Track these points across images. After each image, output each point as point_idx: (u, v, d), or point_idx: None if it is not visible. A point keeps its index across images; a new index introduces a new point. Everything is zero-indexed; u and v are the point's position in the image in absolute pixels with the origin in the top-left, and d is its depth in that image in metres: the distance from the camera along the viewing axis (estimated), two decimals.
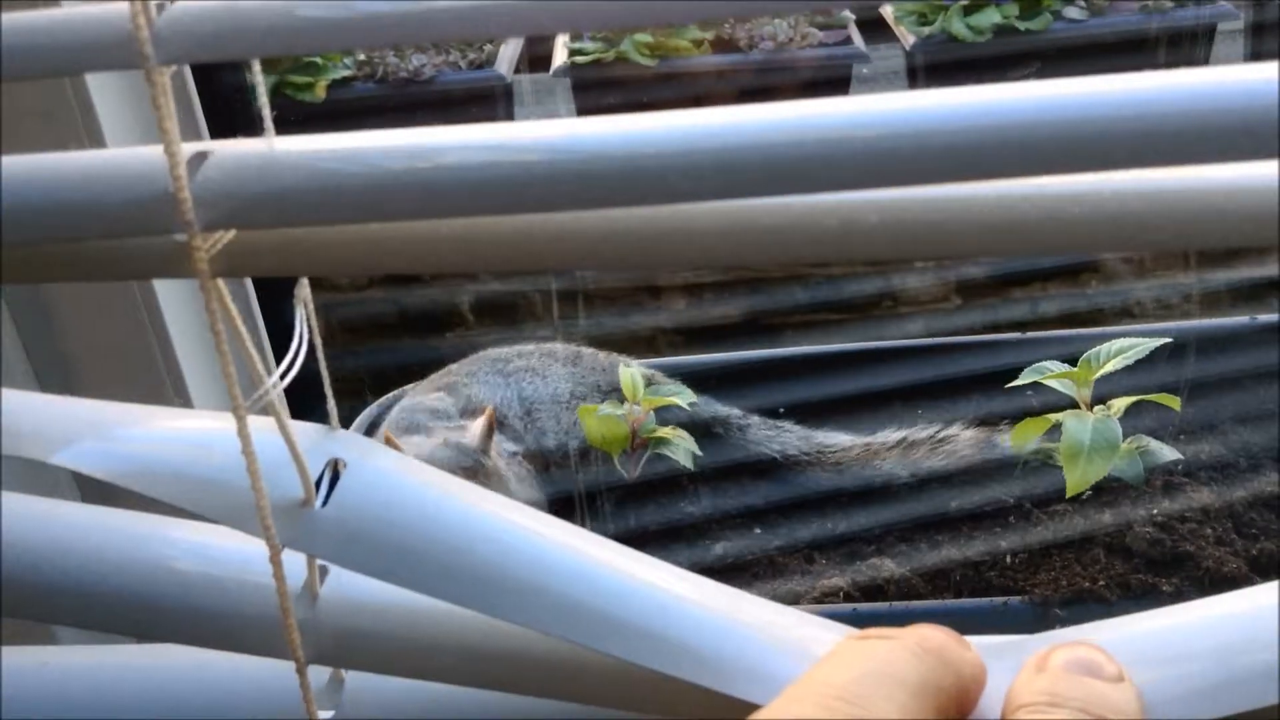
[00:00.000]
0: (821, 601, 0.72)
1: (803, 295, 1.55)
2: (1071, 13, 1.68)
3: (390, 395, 0.91)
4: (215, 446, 0.25)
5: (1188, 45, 1.68)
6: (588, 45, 1.72)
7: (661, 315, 1.61)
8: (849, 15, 1.75)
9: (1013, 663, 0.27)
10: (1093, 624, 0.29)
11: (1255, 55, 1.74)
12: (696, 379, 0.89)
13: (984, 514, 0.77)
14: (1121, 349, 0.75)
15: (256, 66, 0.26)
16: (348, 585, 0.27)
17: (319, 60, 1.72)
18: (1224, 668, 0.26)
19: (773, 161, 0.23)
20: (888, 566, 0.74)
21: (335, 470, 0.27)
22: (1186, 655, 0.27)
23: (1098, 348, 0.76)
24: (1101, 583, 0.69)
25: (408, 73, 1.70)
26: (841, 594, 0.73)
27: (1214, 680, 0.26)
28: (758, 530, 0.81)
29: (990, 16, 1.67)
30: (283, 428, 0.25)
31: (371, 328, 1.57)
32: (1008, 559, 0.73)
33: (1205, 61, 1.70)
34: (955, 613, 0.69)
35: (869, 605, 0.71)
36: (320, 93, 1.70)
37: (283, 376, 0.24)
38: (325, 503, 0.26)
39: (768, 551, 0.77)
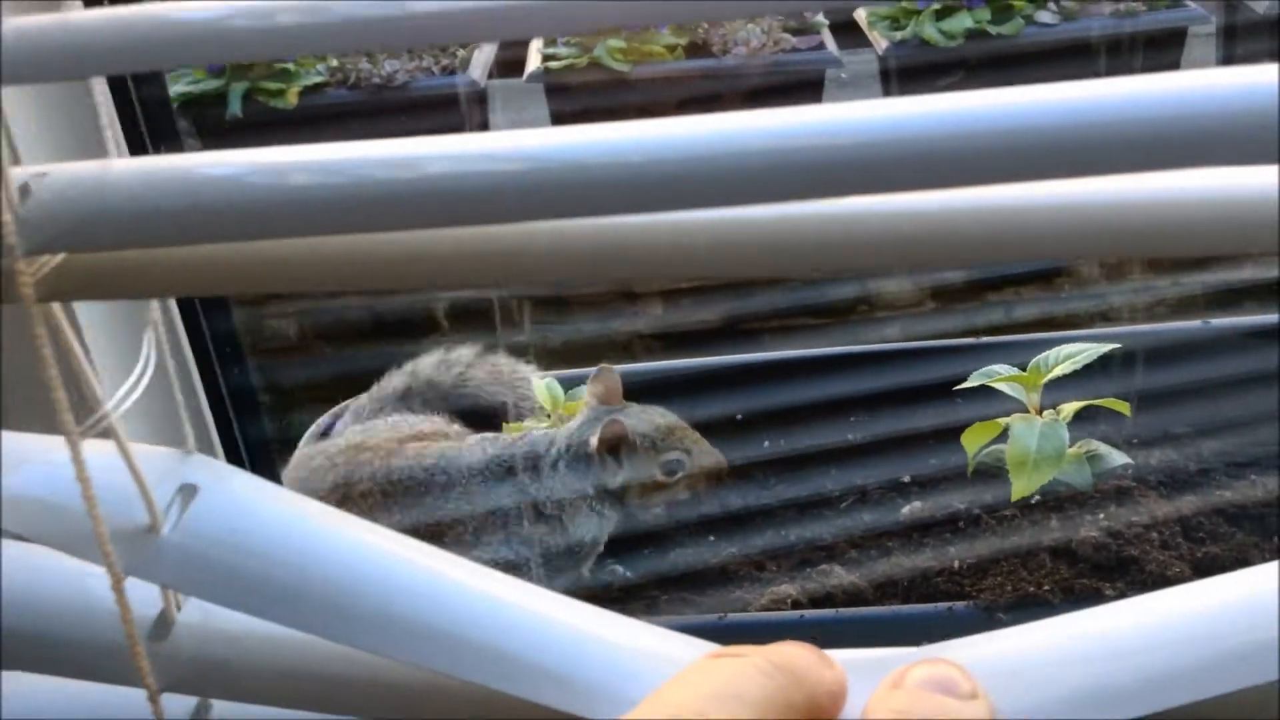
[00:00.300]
0: (770, 609, 0.72)
1: (781, 300, 1.55)
2: (1044, 17, 1.68)
3: (339, 406, 0.90)
4: (56, 472, 0.25)
5: (1159, 49, 1.68)
6: (561, 50, 1.72)
7: (639, 321, 1.61)
8: (823, 20, 1.75)
9: (880, 678, 0.27)
10: (961, 639, 0.29)
11: (1227, 59, 1.74)
12: (652, 387, 0.89)
13: (934, 520, 0.77)
14: (1070, 354, 0.75)
15: (103, 84, 0.26)
16: (207, 612, 0.27)
17: (291, 67, 1.72)
18: (1082, 681, 0.26)
19: (753, 169, 0.23)
20: (837, 573, 0.74)
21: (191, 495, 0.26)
22: (1047, 670, 0.27)
23: (1047, 353, 0.76)
24: (1046, 587, 0.69)
25: (380, 78, 1.70)
26: (790, 601, 0.72)
27: (1073, 693, 0.26)
28: (711, 537, 0.81)
29: (962, 21, 1.67)
30: (124, 452, 0.25)
31: (351, 333, 1.57)
32: (955, 564, 0.73)
33: (1176, 65, 1.70)
34: (901, 619, 0.69)
35: (815, 612, 0.70)
36: (292, 99, 1.70)
37: (121, 401, 0.24)
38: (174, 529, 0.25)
39: (718, 558, 0.77)
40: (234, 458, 0.54)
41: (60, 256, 0.24)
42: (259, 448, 0.56)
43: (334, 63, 1.71)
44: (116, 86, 0.50)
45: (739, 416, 0.92)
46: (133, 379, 0.25)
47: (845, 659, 0.28)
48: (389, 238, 0.25)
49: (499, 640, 0.26)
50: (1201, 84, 0.22)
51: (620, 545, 0.80)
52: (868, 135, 0.23)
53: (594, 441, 0.70)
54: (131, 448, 0.25)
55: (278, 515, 0.26)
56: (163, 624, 0.27)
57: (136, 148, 0.49)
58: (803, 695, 0.25)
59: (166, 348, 0.27)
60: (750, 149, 0.23)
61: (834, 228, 0.25)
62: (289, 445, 0.81)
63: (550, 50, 1.72)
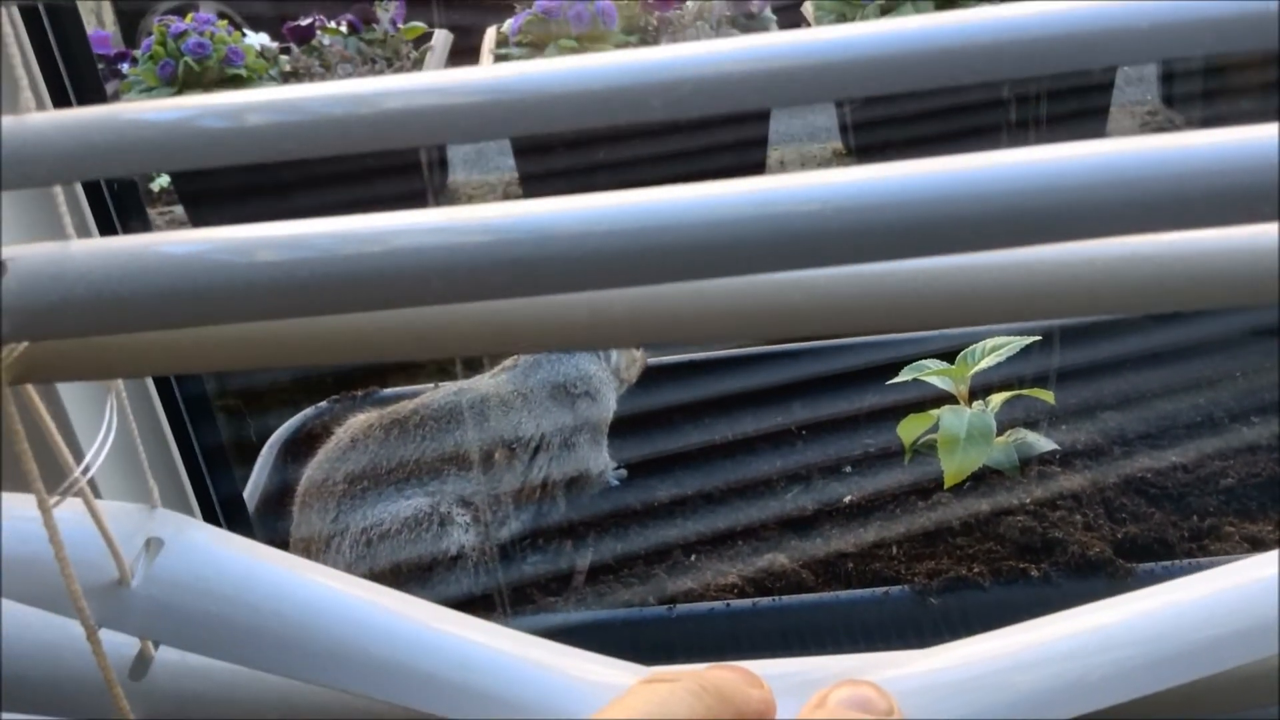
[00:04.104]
0: (719, 597, 0.76)
1: None
2: None
3: (318, 405, 0.93)
4: (29, 534, 0.27)
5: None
6: (514, 52, 1.73)
7: None
8: (770, 16, 1.77)
9: (806, 688, 0.30)
10: (890, 654, 0.31)
11: None
12: None
13: (873, 506, 0.81)
14: (995, 346, 0.79)
15: None
16: (183, 650, 0.29)
17: (243, 72, 1.71)
18: (982, 699, 0.29)
19: (725, 243, 0.23)
20: (780, 561, 0.77)
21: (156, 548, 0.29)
22: (951, 689, 0.30)
23: (974, 346, 0.80)
24: (976, 570, 0.73)
25: None
26: (735, 590, 0.76)
27: (974, 710, 0.29)
28: (658, 526, 0.85)
29: (907, 15, 1.70)
30: (93, 513, 0.27)
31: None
32: (893, 549, 0.77)
33: None
34: (842, 604, 0.73)
35: (761, 601, 0.74)
36: None
37: (89, 467, 0.26)
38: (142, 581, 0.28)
39: (660, 546, 0.80)
40: (207, 511, 0.56)
41: (23, 344, 0.26)
42: (231, 500, 0.59)
43: (287, 68, 1.71)
44: None
45: (690, 411, 0.95)
46: (96, 444, 0.27)
47: (775, 672, 0.31)
48: None
49: (451, 671, 0.29)
50: (1201, 143, 0.23)
51: (571, 531, 0.84)
52: (867, 201, 0.23)
53: None
54: (100, 506, 0.28)
55: (237, 563, 0.29)
56: (141, 664, 0.30)
57: (102, 217, 0.50)
58: (730, 715, 0.28)
59: (130, 411, 0.29)
60: (734, 217, 0.23)
61: (824, 291, 0.26)
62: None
63: (503, 51, 1.73)
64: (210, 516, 0.57)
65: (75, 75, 0.46)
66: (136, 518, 0.29)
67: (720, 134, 1.55)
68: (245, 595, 0.28)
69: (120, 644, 0.30)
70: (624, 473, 0.90)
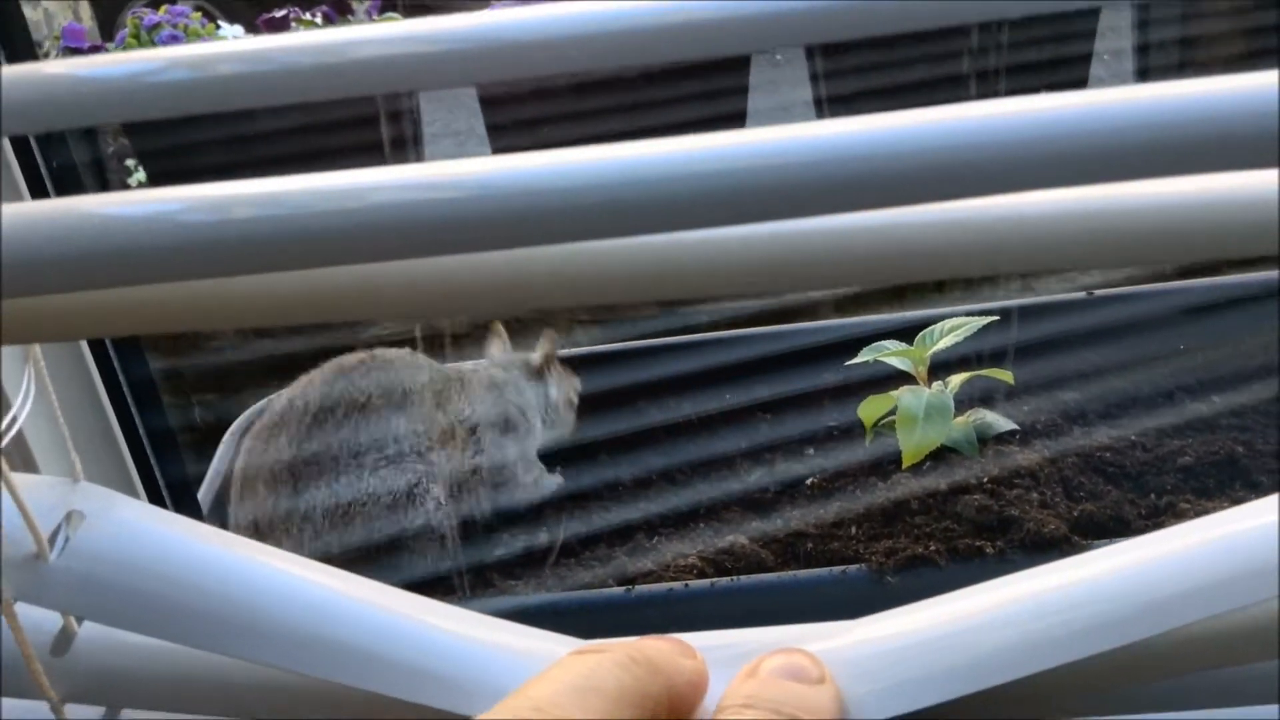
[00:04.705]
0: (678, 578, 0.76)
1: None
2: None
3: (263, 401, 0.91)
4: None
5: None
6: None
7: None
8: None
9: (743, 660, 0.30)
10: (825, 624, 0.31)
11: None
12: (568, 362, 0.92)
13: (832, 487, 0.81)
14: (953, 326, 0.79)
15: None
16: (107, 626, 0.29)
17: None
18: (918, 666, 0.29)
19: (696, 195, 0.23)
20: (740, 542, 0.77)
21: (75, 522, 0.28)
22: (886, 657, 0.30)
23: (932, 327, 0.80)
24: (933, 548, 0.73)
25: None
26: (695, 571, 0.76)
27: (909, 677, 0.29)
28: (615, 506, 0.84)
29: None
30: (6, 484, 0.26)
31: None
32: (852, 529, 0.78)
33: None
34: (800, 583, 0.73)
35: (720, 581, 0.74)
36: None
37: (3, 435, 0.26)
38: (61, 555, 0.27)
39: (620, 528, 0.80)
40: (155, 497, 0.55)
41: None
42: (180, 486, 0.58)
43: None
44: None
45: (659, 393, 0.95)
46: (10, 414, 0.27)
47: (710, 644, 0.30)
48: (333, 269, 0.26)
49: (377, 645, 0.28)
50: (1202, 91, 0.23)
51: (536, 512, 0.84)
52: (867, 150, 0.23)
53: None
54: (16, 478, 0.27)
55: (164, 538, 0.28)
56: (63, 639, 0.29)
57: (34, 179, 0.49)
58: (660, 685, 0.27)
59: (48, 382, 0.28)
60: (696, 172, 0.23)
61: (807, 243, 0.26)
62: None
63: None
64: (158, 502, 0.57)
65: (7, 39, 0.45)
66: (58, 490, 0.29)
67: (697, 109, 1.54)
68: (172, 570, 0.28)
69: (43, 619, 0.29)
70: (559, 479, 0.90)
